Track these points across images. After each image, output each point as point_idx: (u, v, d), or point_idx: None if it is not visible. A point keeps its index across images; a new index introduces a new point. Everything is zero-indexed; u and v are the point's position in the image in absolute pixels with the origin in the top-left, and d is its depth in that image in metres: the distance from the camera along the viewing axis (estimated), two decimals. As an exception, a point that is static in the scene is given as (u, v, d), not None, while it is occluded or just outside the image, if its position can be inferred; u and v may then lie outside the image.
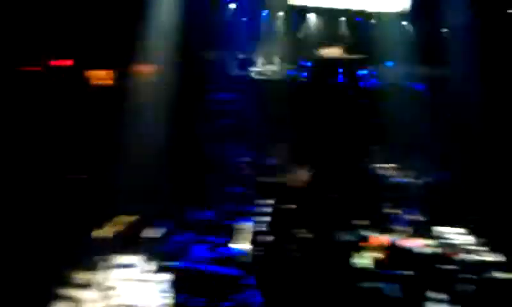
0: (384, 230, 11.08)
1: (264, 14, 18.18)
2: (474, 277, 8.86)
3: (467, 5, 16.21)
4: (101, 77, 14.88)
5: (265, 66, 17.55)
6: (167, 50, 14.79)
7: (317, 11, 18.10)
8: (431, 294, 8.15)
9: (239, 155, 14.99)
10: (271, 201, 12.57)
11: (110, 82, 14.86)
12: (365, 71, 17.40)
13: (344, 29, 18.25)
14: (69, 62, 14.32)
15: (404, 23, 17.87)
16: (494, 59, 15.83)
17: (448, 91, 15.89)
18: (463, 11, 16.31)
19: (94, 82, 14.70)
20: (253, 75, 17.30)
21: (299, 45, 18.03)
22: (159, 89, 14.16)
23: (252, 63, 17.04)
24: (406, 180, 14.34)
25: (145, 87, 14.59)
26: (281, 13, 18.16)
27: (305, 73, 17.34)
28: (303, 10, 18.11)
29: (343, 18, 18.24)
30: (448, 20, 16.51)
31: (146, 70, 15.10)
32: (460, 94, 15.23)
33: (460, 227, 11.26)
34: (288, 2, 17.85)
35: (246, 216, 11.86)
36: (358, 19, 18.17)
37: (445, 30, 17.02)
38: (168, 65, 14.57)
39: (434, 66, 17.08)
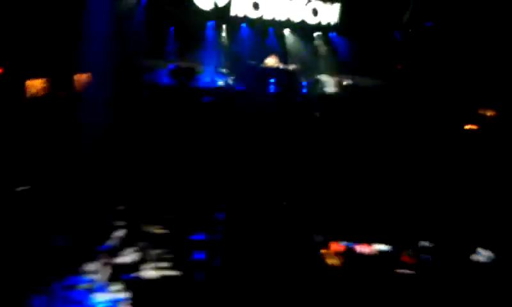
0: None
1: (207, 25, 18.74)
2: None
3: (393, 18, 17.47)
4: (36, 86, 14.64)
5: (205, 76, 17.95)
6: (102, 58, 14.88)
7: (257, 22, 18.88)
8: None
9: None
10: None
11: (45, 91, 14.63)
12: (300, 82, 18.07)
13: (280, 41, 19.20)
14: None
15: (334, 35, 19.22)
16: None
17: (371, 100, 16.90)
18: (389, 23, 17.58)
19: (29, 91, 14.43)
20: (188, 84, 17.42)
21: (237, 55, 18.61)
22: (94, 98, 14.19)
23: (190, 73, 17.33)
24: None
25: (81, 96, 14.64)
26: (223, 25, 18.88)
27: (241, 83, 17.64)
28: (244, 21, 18.82)
29: (281, 30, 19.25)
30: (377, 33, 17.75)
31: (82, 78, 15.12)
32: (389, 103, 16.14)
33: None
34: (230, 14, 18.57)
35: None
36: (295, 30, 19.15)
37: (373, 42, 18.14)
38: (103, 74, 14.65)
39: (363, 77, 18.28)
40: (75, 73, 15.06)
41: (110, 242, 8.66)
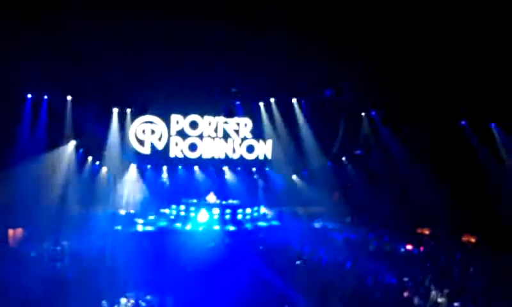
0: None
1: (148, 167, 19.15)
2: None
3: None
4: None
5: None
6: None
7: (195, 162, 19.40)
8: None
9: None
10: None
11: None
12: (242, 214, 18.35)
13: (218, 178, 19.67)
14: None
15: (267, 169, 20.02)
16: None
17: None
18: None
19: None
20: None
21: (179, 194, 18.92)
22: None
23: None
24: None
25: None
26: (164, 166, 19.30)
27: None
28: (183, 162, 19.31)
29: (222, 168, 19.79)
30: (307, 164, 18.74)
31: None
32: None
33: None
34: (170, 155, 19.05)
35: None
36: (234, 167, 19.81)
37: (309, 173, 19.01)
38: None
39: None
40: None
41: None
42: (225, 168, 19.87)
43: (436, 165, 16.29)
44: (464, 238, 16.06)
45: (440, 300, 10.82)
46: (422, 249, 15.06)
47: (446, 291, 10.90)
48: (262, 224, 18.68)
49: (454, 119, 17.33)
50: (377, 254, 14.51)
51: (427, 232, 16.99)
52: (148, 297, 10.16)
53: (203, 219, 17.95)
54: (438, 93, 15.77)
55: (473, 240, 15.98)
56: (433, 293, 10.99)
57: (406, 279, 11.89)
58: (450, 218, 15.83)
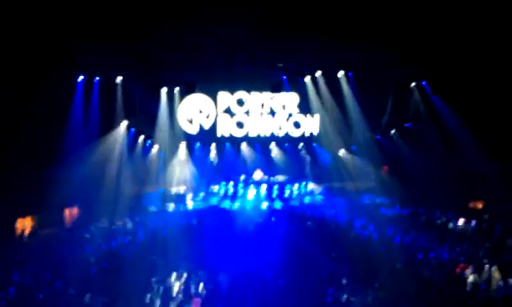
0: None
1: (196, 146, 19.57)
2: None
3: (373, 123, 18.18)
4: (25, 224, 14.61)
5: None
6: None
7: (242, 140, 19.62)
8: None
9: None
10: None
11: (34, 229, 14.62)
12: (290, 189, 18.41)
13: (265, 155, 19.79)
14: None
15: (314, 145, 19.86)
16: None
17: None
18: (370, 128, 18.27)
19: (19, 229, 14.37)
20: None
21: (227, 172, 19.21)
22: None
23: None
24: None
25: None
26: (212, 144, 19.67)
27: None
28: (230, 140, 19.57)
29: (271, 145, 19.92)
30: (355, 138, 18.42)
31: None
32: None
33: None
34: (217, 134, 19.35)
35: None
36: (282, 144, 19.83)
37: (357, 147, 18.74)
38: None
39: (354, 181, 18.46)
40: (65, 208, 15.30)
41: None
42: (272, 145, 19.96)
43: (490, 136, 15.54)
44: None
45: (494, 275, 10.44)
46: (474, 223, 14.53)
47: (500, 265, 10.49)
48: (309, 200, 18.69)
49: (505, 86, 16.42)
50: (428, 229, 14.14)
51: (480, 206, 16.39)
52: (200, 273, 10.47)
53: (251, 196, 18.20)
54: (488, 59, 14.98)
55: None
56: (486, 267, 10.62)
57: (457, 254, 11.59)
58: (503, 190, 15.09)
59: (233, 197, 18.23)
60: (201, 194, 18.58)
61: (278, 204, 17.95)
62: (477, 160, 15.74)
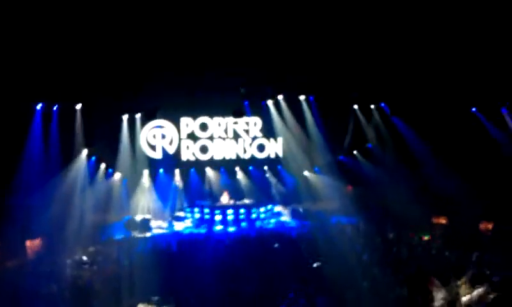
0: None
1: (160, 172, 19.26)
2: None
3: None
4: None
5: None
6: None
7: (207, 164, 19.52)
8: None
9: None
10: None
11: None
12: (256, 213, 18.31)
13: (231, 178, 19.69)
14: None
15: (279, 167, 20.03)
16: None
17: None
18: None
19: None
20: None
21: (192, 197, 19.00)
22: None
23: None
24: None
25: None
26: (176, 170, 19.37)
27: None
28: (195, 164, 19.43)
29: (235, 168, 19.85)
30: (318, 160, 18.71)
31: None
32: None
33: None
34: (182, 159, 19.15)
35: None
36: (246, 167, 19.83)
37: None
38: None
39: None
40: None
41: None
42: (237, 168, 19.93)
43: (450, 154, 16.12)
44: (482, 226, 15.80)
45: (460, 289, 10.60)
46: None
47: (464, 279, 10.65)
48: (276, 221, 18.63)
49: (464, 105, 17.14)
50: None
51: (443, 221, 16.78)
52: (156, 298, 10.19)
53: (218, 220, 17.96)
54: (446, 80, 15.66)
55: (490, 227, 15.71)
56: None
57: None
58: (467, 206, 15.56)
59: (200, 222, 17.92)
60: (167, 220, 18.21)
61: (245, 227, 17.77)
62: (439, 178, 16.26)
